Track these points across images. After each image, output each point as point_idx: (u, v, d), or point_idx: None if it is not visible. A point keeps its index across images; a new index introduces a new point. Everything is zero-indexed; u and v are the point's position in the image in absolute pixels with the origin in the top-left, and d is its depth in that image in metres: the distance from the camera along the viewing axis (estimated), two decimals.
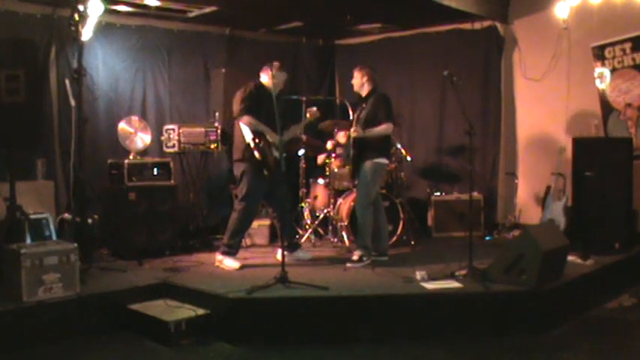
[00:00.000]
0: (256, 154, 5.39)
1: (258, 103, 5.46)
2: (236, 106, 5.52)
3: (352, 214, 6.33)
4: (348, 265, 5.57)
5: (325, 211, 6.82)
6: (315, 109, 6.00)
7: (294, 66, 8.41)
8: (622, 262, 5.94)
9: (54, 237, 5.70)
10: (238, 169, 5.61)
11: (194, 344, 4.41)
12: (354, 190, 6.60)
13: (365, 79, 5.81)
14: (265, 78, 5.61)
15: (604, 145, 6.49)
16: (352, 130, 5.76)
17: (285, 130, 5.53)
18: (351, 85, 5.98)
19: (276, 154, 5.49)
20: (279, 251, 5.20)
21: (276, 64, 5.56)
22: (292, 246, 5.89)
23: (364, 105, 5.85)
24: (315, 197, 7.01)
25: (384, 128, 5.69)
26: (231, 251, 5.62)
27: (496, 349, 4.32)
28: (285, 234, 5.52)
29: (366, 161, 5.71)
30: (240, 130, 5.55)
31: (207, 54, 7.52)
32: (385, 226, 6.03)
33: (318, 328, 4.52)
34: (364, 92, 5.86)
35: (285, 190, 5.77)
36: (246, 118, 5.44)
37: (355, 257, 5.65)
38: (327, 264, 5.78)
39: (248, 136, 5.47)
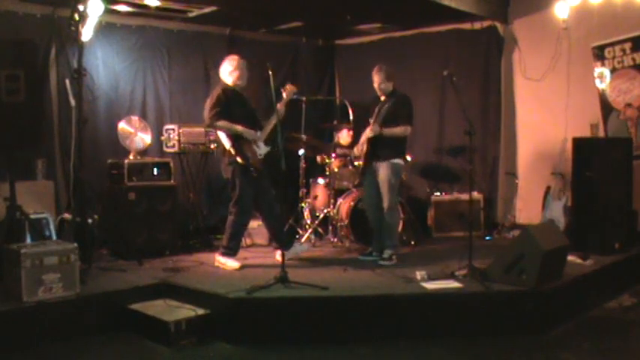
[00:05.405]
0: (239, 159, 5.41)
1: (229, 107, 5.45)
2: (206, 115, 5.47)
3: (352, 214, 6.34)
4: (381, 262, 5.70)
5: (325, 211, 6.81)
6: (290, 84, 5.81)
7: (294, 66, 8.42)
8: (622, 262, 5.94)
9: (54, 237, 5.69)
10: (227, 172, 5.60)
11: (194, 344, 4.41)
12: (354, 190, 6.61)
13: (390, 82, 5.83)
14: (225, 75, 5.59)
15: (604, 145, 6.48)
16: (369, 129, 5.75)
17: (265, 121, 5.61)
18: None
19: (259, 150, 5.52)
20: (279, 251, 5.19)
21: (233, 56, 5.62)
22: (288, 244, 5.85)
23: (383, 100, 5.83)
24: (315, 197, 7.00)
25: (402, 130, 5.72)
26: (231, 253, 5.63)
27: (496, 349, 4.33)
28: (278, 236, 5.59)
29: (382, 162, 5.73)
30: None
31: (207, 54, 7.51)
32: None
33: (318, 328, 4.52)
34: (387, 92, 5.85)
35: (273, 194, 5.73)
36: (219, 123, 5.44)
37: (386, 255, 5.77)
38: (327, 264, 5.78)
39: (227, 143, 5.47)
